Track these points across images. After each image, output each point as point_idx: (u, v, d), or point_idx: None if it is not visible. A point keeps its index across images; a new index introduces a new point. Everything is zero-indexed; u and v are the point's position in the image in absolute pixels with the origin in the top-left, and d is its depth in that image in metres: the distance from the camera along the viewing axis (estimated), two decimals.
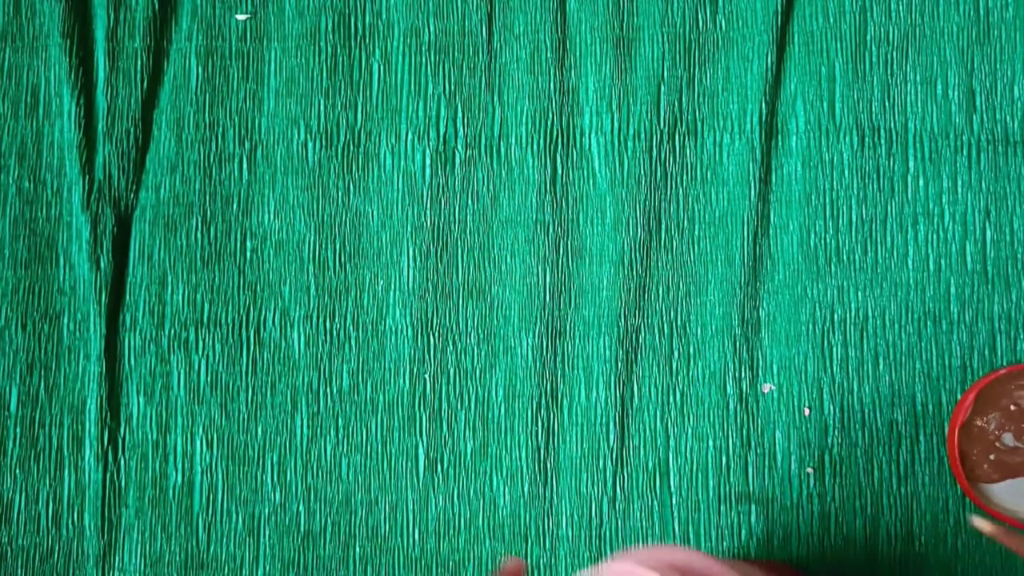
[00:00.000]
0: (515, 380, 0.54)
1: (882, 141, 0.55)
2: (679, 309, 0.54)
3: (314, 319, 0.54)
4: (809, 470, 0.53)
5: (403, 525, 0.53)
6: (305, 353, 0.54)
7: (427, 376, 0.54)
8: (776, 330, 0.54)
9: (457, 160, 0.55)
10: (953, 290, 0.54)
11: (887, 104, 0.55)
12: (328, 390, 0.54)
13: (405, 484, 0.53)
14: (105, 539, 0.53)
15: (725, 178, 0.55)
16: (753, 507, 0.53)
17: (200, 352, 0.54)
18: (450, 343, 0.54)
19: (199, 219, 0.55)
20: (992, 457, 0.52)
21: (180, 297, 0.54)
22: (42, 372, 0.54)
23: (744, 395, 0.54)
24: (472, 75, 0.56)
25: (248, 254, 0.55)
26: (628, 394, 0.54)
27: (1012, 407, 0.52)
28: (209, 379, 0.54)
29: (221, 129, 0.56)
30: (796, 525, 0.53)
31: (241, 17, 0.56)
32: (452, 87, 0.56)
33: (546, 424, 0.54)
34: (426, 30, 0.56)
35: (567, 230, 0.55)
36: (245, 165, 0.55)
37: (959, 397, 0.53)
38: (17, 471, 0.54)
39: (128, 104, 0.56)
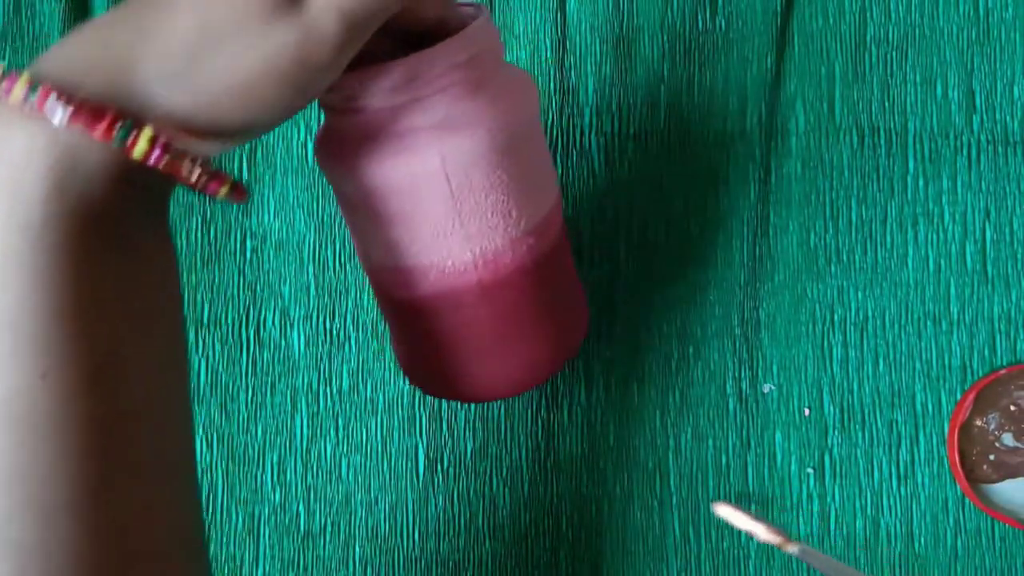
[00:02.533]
0: None
1: (882, 141, 0.55)
2: (679, 309, 0.54)
3: (314, 319, 0.54)
4: (809, 470, 0.53)
5: (403, 525, 0.53)
6: (305, 353, 0.54)
7: None
8: (776, 330, 0.54)
9: None
10: (953, 290, 0.54)
11: (887, 104, 0.55)
12: (328, 390, 0.54)
13: (405, 484, 0.53)
14: None
15: (725, 178, 0.55)
16: (753, 507, 0.53)
17: (200, 352, 0.54)
18: None
19: (199, 219, 0.55)
20: (992, 457, 0.52)
21: None
22: None
23: (744, 395, 0.54)
24: None
25: (248, 254, 0.55)
26: (628, 394, 0.54)
27: (1012, 407, 0.52)
28: (209, 379, 0.54)
29: None
30: (796, 525, 0.53)
31: None
32: None
33: (546, 424, 0.54)
34: None
35: (567, 230, 0.55)
36: (245, 165, 0.55)
37: (959, 397, 0.53)
38: None
39: None
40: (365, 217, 0.40)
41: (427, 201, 0.38)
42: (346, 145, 0.38)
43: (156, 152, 0.30)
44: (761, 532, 0.32)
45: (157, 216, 0.34)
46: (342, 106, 0.37)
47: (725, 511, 0.33)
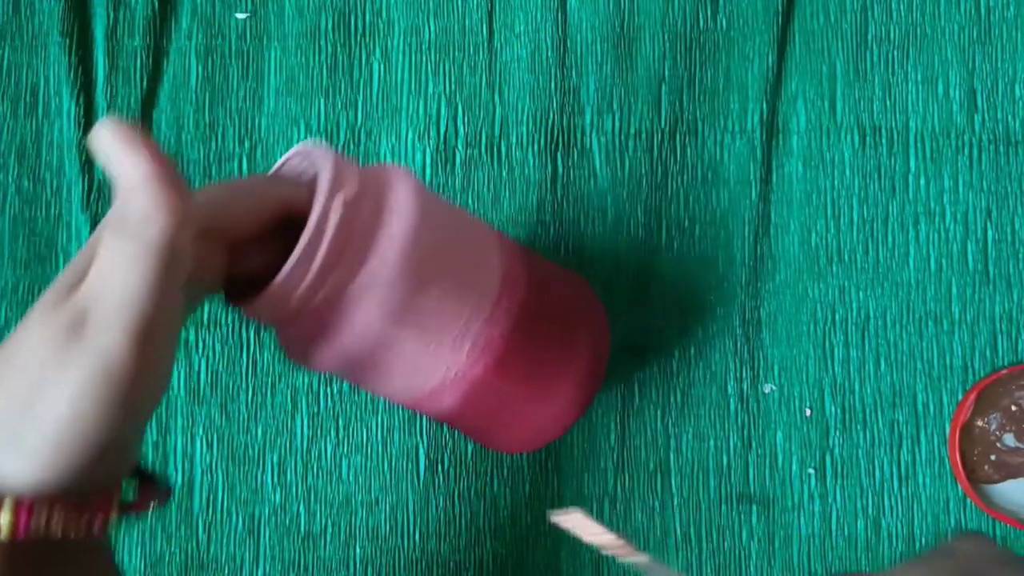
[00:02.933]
0: None
1: (883, 140, 0.55)
2: (679, 309, 0.54)
3: None
4: (810, 471, 0.53)
5: (404, 526, 0.53)
6: None
7: None
8: (777, 330, 0.54)
9: (458, 159, 0.55)
10: (954, 290, 0.54)
11: (888, 103, 0.55)
12: (328, 390, 0.54)
13: (406, 485, 0.53)
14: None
15: (726, 178, 0.55)
16: (754, 507, 0.53)
17: (200, 352, 0.54)
18: None
19: None
20: (993, 458, 0.52)
21: None
22: None
23: (745, 395, 0.54)
24: (473, 74, 0.56)
25: None
26: (628, 394, 0.54)
27: (1013, 407, 0.52)
28: (209, 379, 0.54)
29: (221, 128, 0.55)
30: (797, 526, 0.53)
31: (241, 16, 0.56)
32: (452, 86, 0.56)
33: None
34: (426, 28, 0.56)
35: (568, 230, 0.55)
36: (245, 164, 0.55)
37: (960, 397, 0.53)
38: None
39: (128, 103, 0.55)
40: (359, 383, 0.41)
41: (396, 350, 0.38)
42: (293, 344, 0.38)
43: (22, 524, 0.30)
44: (609, 543, 0.32)
45: (81, 550, 0.33)
46: (268, 324, 0.37)
47: (568, 521, 0.32)
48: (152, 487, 0.35)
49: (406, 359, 0.39)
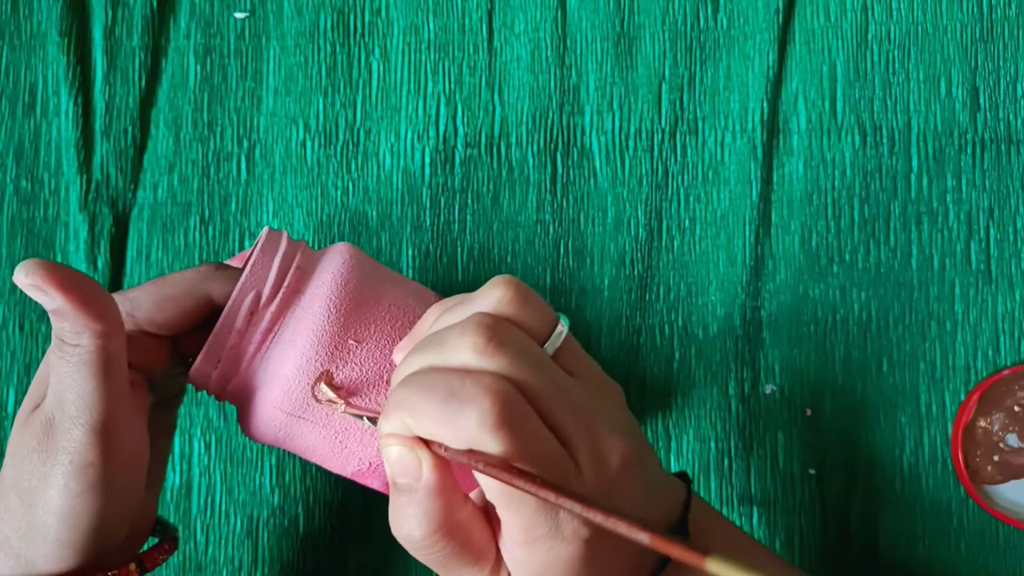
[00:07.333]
0: None
1: (884, 140, 0.55)
2: (680, 309, 0.54)
3: None
4: (811, 472, 0.53)
5: None
6: None
7: None
8: (778, 330, 0.54)
9: (457, 159, 0.55)
10: (957, 290, 0.54)
11: (889, 103, 0.55)
12: None
13: None
14: None
15: (727, 177, 0.55)
16: (756, 509, 0.53)
17: None
18: None
19: (197, 219, 0.55)
20: (996, 458, 0.51)
21: None
22: None
23: (746, 396, 0.53)
24: (472, 73, 0.56)
25: None
26: (629, 395, 0.53)
27: (1016, 408, 0.51)
28: None
29: (219, 128, 0.55)
30: (799, 527, 0.53)
31: (240, 15, 0.56)
32: (452, 85, 0.55)
33: None
34: (426, 28, 0.56)
35: (567, 230, 0.55)
36: (243, 164, 0.55)
37: (963, 398, 0.53)
38: None
39: (126, 103, 0.55)
40: (329, 441, 0.41)
41: (305, 440, 0.40)
42: (245, 416, 0.40)
43: None
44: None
45: None
46: (217, 395, 0.40)
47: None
48: (163, 543, 0.42)
49: (317, 448, 0.40)
